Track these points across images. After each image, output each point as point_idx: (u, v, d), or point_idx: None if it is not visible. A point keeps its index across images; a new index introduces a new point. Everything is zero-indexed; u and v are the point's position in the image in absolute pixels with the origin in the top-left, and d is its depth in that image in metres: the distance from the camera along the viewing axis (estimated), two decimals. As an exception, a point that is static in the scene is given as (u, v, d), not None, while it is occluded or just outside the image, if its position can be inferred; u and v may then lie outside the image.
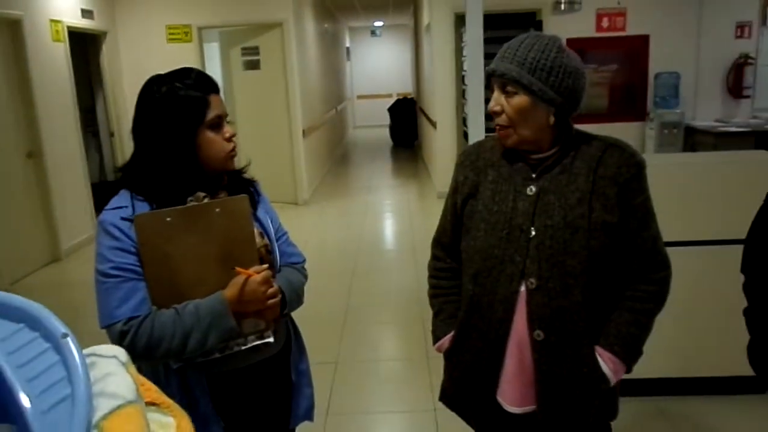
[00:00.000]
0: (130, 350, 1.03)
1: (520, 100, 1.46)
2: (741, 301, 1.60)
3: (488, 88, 1.56)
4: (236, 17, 7.47)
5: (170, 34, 7.43)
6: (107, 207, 1.45)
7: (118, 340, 1.33)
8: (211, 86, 1.48)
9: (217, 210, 1.44)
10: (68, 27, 6.32)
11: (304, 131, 7.89)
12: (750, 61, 6.90)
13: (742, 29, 7.00)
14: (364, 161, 12.05)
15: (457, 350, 1.67)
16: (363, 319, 4.29)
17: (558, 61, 1.45)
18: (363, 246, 6.14)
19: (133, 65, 7.27)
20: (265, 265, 1.48)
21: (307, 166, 8.07)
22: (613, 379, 1.53)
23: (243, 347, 1.50)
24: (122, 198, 1.45)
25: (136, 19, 7.42)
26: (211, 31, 7.80)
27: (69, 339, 0.53)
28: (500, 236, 1.52)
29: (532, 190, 1.52)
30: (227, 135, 1.49)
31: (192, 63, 1.41)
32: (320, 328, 4.03)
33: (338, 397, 3.24)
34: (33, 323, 0.54)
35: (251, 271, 1.43)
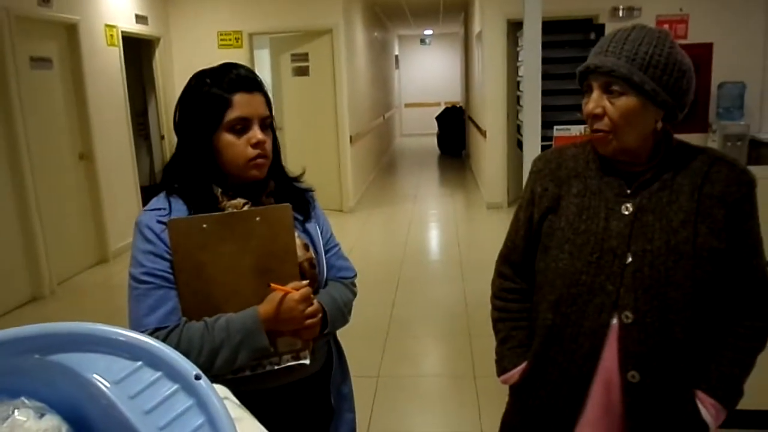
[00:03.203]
0: None
1: (628, 101, 1.27)
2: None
3: (582, 89, 1.36)
4: (286, 24, 7.48)
5: (221, 40, 7.50)
6: (146, 207, 1.37)
7: None
8: (242, 84, 1.33)
9: (258, 219, 1.32)
10: (123, 32, 6.42)
11: (351, 138, 7.83)
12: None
13: (813, 37, 6.62)
14: (411, 169, 11.91)
15: (528, 385, 1.49)
16: (406, 332, 4.15)
17: (673, 58, 1.26)
18: (408, 256, 6.00)
19: (184, 70, 7.33)
20: (305, 282, 1.35)
21: (353, 173, 8.00)
22: (713, 427, 1.35)
23: (276, 366, 1.37)
24: (161, 199, 1.36)
25: (188, 25, 7.51)
26: (261, 37, 7.83)
27: (203, 381, 0.47)
28: (589, 260, 1.33)
29: (628, 208, 1.33)
30: (253, 141, 1.34)
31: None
32: (362, 341, 3.92)
33: (379, 414, 3.11)
34: (152, 361, 0.48)
35: (290, 287, 1.31)
